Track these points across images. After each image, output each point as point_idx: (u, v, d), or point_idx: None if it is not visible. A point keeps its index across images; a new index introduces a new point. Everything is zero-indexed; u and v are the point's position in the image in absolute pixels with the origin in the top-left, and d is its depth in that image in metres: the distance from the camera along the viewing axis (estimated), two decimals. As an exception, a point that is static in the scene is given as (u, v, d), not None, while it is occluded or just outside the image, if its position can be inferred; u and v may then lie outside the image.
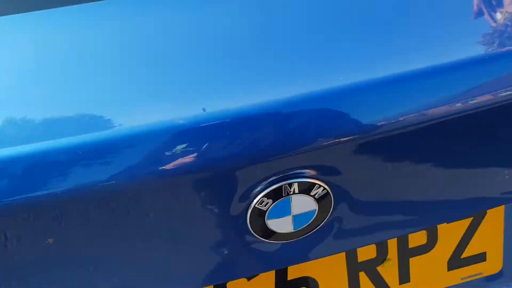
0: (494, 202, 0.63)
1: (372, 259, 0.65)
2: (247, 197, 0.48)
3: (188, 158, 0.44)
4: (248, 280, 0.62)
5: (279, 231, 0.50)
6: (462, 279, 0.69)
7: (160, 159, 0.44)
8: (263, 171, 0.47)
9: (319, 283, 0.64)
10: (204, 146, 0.44)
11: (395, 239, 0.64)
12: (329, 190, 0.49)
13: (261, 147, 0.45)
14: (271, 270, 0.59)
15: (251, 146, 0.45)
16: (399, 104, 0.49)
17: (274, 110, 0.45)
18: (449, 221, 0.63)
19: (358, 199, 0.53)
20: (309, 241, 0.53)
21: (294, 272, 0.62)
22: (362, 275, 0.65)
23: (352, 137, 0.48)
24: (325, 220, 0.51)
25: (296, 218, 0.50)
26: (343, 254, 0.63)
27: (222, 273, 0.57)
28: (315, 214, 0.50)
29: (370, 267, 0.65)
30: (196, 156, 0.44)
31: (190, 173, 0.46)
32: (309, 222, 0.51)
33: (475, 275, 0.69)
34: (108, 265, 0.51)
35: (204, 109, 0.45)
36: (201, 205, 0.49)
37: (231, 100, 0.46)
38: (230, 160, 0.45)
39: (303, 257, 0.56)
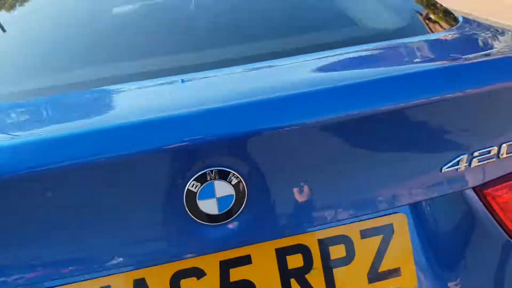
0: (398, 201, 0.73)
1: (301, 267, 0.72)
2: (183, 180, 0.61)
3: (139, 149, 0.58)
4: (197, 279, 0.68)
5: (208, 212, 0.62)
6: None
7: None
8: (193, 160, 0.60)
9: (256, 286, 0.70)
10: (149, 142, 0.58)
11: (318, 249, 0.72)
12: (241, 179, 0.62)
13: (191, 141, 0.59)
14: (206, 254, 0.68)
15: (183, 140, 0.58)
16: (298, 111, 0.62)
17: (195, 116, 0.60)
18: (353, 217, 0.72)
19: (271, 189, 0.64)
20: (235, 225, 0.64)
21: (235, 274, 0.69)
22: (293, 282, 0.72)
23: (257, 136, 0.61)
24: (243, 205, 0.63)
25: (220, 201, 0.61)
26: (275, 261, 0.71)
27: (159, 254, 0.66)
28: (234, 199, 0.62)
29: (300, 275, 0.72)
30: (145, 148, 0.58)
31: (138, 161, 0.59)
32: (230, 206, 0.62)
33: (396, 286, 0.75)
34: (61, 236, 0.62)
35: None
36: (147, 187, 0.61)
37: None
38: (167, 151, 0.58)
39: (233, 242, 0.66)
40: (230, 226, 0.65)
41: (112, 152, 0.57)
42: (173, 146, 0.58)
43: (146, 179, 0.60)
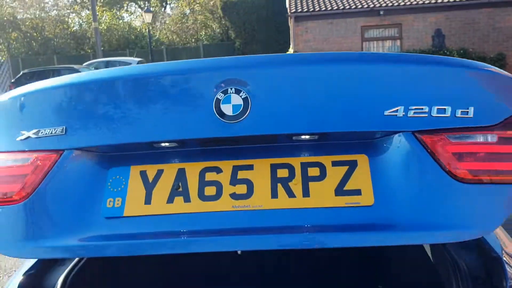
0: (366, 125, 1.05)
1: (286, 177, 1.07)
2: (216, 91, 1.02)
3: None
4: (216, 174, 1.11)
5: (226, 112, 1.01)
6: (346, 203, 1.05)
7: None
8: (221, 82, 1.02)
9: (254, 184, 1.08)
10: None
11: (300, 169, 1.08)
12: (248, 96, 1.01)
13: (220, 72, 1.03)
14: (222, 135, 1.05)
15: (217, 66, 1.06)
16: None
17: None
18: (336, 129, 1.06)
19: (267, 105, 1.03)
20: (241, 122, 1.02)
21: (241, 175, 1.08)
22: (279, 186, 1.07)
23: (259, 71, 1.05)
24: (247, 112, 1.01)
25: (233, 107, 1.00)
26: (269, 171, 1.09)
27: (195, 145, 1.11)
28: (242, 107, 1.01)
29: (284, 182, 1.07)
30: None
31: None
32: (239, 111, 1.01)
33: (355, 203, 1.05)
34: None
35: None
36: (195, 96, 1.04)
37: None
38: (209, 76, 1.04)
39: (239, 132, 1.03)
40: (238, 122, 1.02)
41: (180, 73, 1.09)
42: (212, 73, 1.04)
43: (197, 90, 1.04)
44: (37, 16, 21.05)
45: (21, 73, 15.28)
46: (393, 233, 1.06)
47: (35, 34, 22.16)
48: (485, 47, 12.59)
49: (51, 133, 1.11)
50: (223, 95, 1.02)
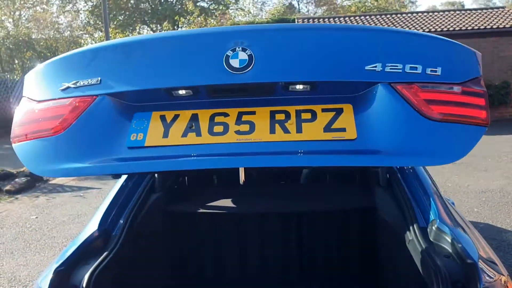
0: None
1: (282, 119, 1.33)
2: (227, 49, 1.29)
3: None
4: (224, 117, 1.36)
5: (234, 65, 1.27)
6: (333, 137, 1.30)
7: None
8: (231, 42, 1.30)
9: (255, 124, 1.33)
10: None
11: (294, 114, 1.33)
12: (252, 53, 1.29)
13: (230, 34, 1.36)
14: (230, 82, 1.30)
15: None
16: None
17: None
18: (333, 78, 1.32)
19: (268, 63, 1.30)
20: (246, 73, 1.28)
21: (245, 118, 1.33)
22: (277, 126, 1.33)
23: (262, 34, 1.37)
24: (251, 66, 1.27)
25: (240, 61, 1.26)
26: (268, 115, 1.34)
27: (206, 94, 1.38)
28: (247, 62, 1.27)
29: (281, 123, 1.33)
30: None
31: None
32: (245, 64, 1.27)
33: (341, 137, 1.30)
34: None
35: None
36: (210, 51, 1.34)
37: None
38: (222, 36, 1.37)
39: (250, 79, 1.29)
40: (243, 73, 1.28)
41: (198, 36, 1.38)
42: (223, 35, 1.33)
43: (210, 49, 1.32)
44: (51, 36, 21.53)
45: (35, 91, 15.57)
46: (372, 156, 1.28)
47: (48, 54, 22.68)
48: (489, 74, 12.75)
49: (88, 83, 1.38)
50: (232, 52, 1.28)
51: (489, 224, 4.77)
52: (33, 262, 4.46)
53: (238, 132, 1.31)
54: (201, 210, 2.35)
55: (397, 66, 1.27)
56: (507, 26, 13.15)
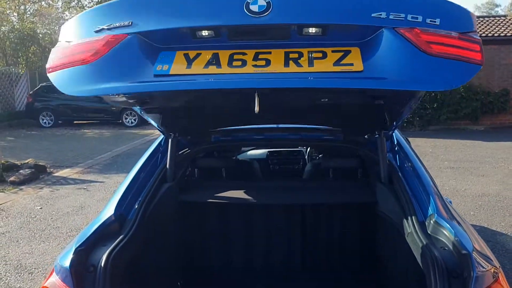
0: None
1: (296, 57, 1.52)
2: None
3: None
4: (242, 56, 1.54)
5: (253, 9, 1.45)
6: (341, 69, 1.48)
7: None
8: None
9: (271, 60, 1.51)
10: None
11: (307, 54, 1.52)
12: (270, 0, 1.47)
13: None
14: (250, 23, 1.47)
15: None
16: None
17: None
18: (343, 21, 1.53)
19: (286, 11, 1.48)
20: (264, 16, 1.45)
21: (262, 56, 1.52)
22: (291, 62, 1.51)
23: None
24: (269, 10, 1.45)
25: (259, 6, 1.45)
26: (283, 55, 1.52)
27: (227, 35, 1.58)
28: (265, 7, 1.45)
29: (295, 59, 1.52)
30: None
31: None
32: (264, 8, 1.46)
33: (349, 69, 1.48)
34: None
35: None
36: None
37: None
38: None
39: (268, 21, 1.47)
40: (262, 17, 1.44)
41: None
42: None
43: None
44: (56, 31, 21.57)
45: (39, 85, 15.65)
46: (377, 80, 1.47)
47: (52, 48, 22.65)
48: (490, 82, 12.86)
49: (120, 25, 1.57)
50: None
51: (484, 227, 4.88)
52: (38, 251, 4.56)
53: (255, 66, 1.51)
54: (210, 200, 2.47)
55: (400, 15, 1.46)
56: (508, 34, 13.24)
